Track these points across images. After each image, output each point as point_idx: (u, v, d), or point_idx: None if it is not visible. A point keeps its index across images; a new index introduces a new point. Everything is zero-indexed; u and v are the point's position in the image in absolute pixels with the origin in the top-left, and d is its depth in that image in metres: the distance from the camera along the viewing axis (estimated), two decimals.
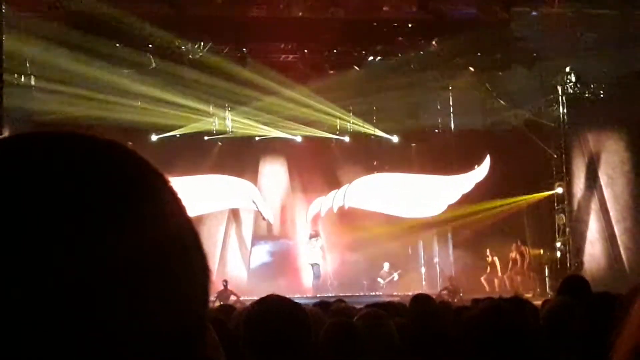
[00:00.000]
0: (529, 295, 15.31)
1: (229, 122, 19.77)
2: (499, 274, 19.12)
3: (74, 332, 0.62)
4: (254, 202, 20.37)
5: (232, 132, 19.88)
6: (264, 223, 20.82)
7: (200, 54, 17.64)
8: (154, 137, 19.74)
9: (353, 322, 3.67)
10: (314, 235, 20.08)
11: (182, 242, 0.72)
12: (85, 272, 0.63)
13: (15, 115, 15.54)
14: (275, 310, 2.47)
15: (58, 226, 0.63)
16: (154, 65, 17.19)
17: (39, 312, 0.61)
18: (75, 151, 0.70)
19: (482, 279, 19.12)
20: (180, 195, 0.76)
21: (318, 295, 16.86)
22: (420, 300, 4.76)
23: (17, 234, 0.62)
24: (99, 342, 0.63)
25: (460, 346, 3.77)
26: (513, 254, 19.16)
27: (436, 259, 21.34)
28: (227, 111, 19.51)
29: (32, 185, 0.64)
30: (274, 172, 21.30)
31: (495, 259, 19.25)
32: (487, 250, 19.38)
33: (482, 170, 20.05)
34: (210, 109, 19.26)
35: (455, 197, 20.10)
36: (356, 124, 20.19)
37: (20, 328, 0.61)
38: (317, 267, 19.73)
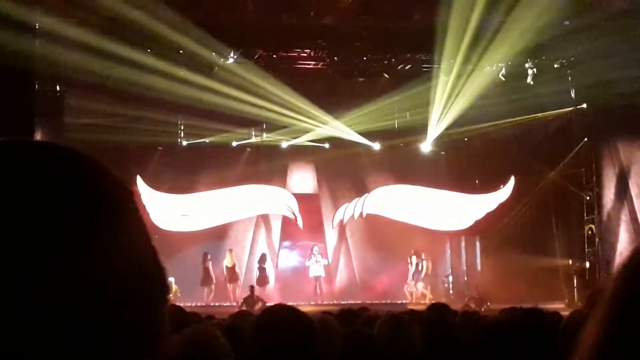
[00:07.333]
0: (560, 306, 15.16)
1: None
2: None
3: None
4: (289, 207, 20.39)
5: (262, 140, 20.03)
6: (292, 229, 20.83)
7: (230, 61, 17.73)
8: (184, 142, 20.02)
9: (367, 332, 3.69)
10: (319, 252, 20.15)
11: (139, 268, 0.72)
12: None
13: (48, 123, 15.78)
14: (279, 320, 2.50)
15: None
16: (182, 73, 17.28)
17: None
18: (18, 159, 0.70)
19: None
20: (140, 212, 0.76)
21: (342, 303, 16.84)
22: (437, 309, 4.77)
23: None
24: None
25: (475, 356, 3.77)
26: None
27: (464, 268, 21.31)
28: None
29: None
30: (302, 178, 21.36)
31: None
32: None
33: (506, 190, 20.21)
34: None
35: (480, 215, 20.12)
36: (385, 131, 20.10)
37: None
38: (320, 280, 19.88)
